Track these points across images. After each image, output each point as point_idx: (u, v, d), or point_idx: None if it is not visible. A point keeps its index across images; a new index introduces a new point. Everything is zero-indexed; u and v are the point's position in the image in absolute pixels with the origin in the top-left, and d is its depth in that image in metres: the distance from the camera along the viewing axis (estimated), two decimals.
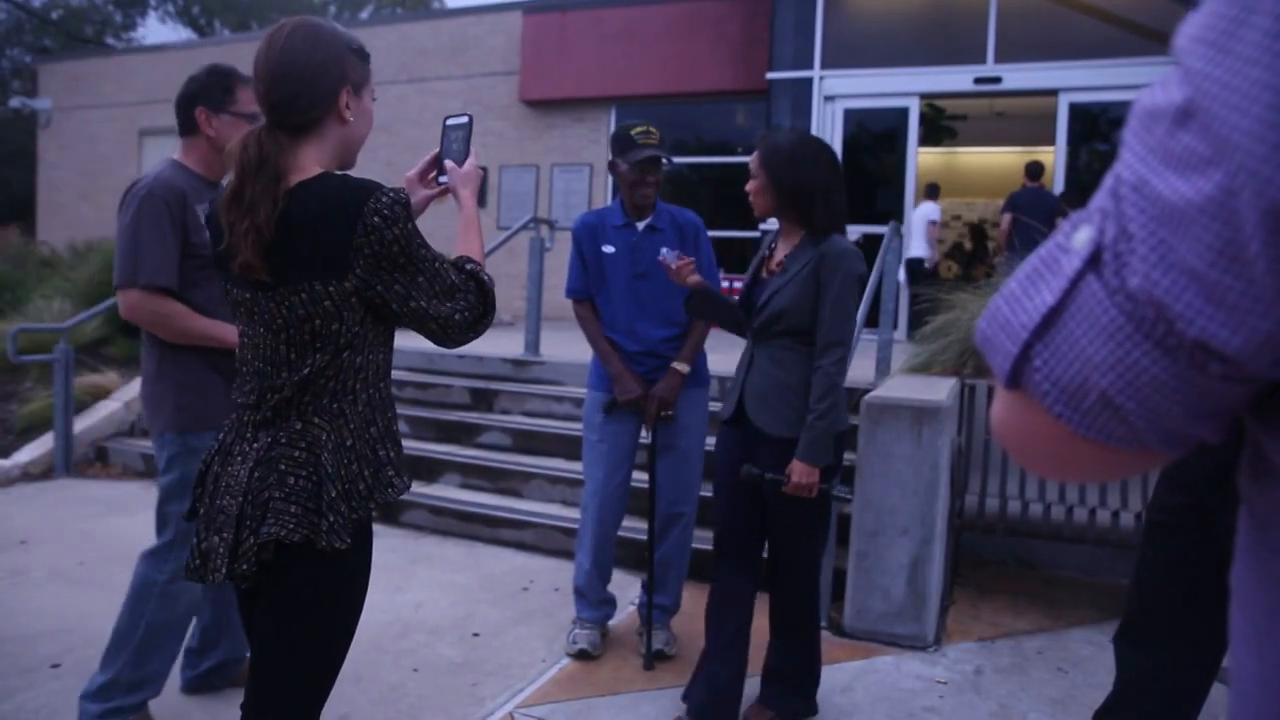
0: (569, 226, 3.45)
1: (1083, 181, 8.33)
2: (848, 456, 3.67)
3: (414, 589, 3.75)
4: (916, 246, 8.70)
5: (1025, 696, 2.98)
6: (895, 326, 5.37)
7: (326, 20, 1.59)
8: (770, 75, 9.43)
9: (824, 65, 9.22)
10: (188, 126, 2.45)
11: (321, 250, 1.44)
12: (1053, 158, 8.63)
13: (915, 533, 3.32)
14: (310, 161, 1.52)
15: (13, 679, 2.83)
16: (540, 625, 3.42)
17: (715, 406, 3.58)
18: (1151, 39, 7.78)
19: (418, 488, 4.79)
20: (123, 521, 4.64)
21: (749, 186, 2.55)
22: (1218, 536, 1.80)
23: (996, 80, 8.70)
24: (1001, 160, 12.09)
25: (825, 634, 3.32)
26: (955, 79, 8.88)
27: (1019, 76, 8.63)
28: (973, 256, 11.63)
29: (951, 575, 3.84)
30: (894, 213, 8.57)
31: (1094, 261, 0.47)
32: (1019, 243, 7.53)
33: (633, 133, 3.01)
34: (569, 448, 4.84)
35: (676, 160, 3.38)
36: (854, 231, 8.76)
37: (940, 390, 3.64)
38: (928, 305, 5.04)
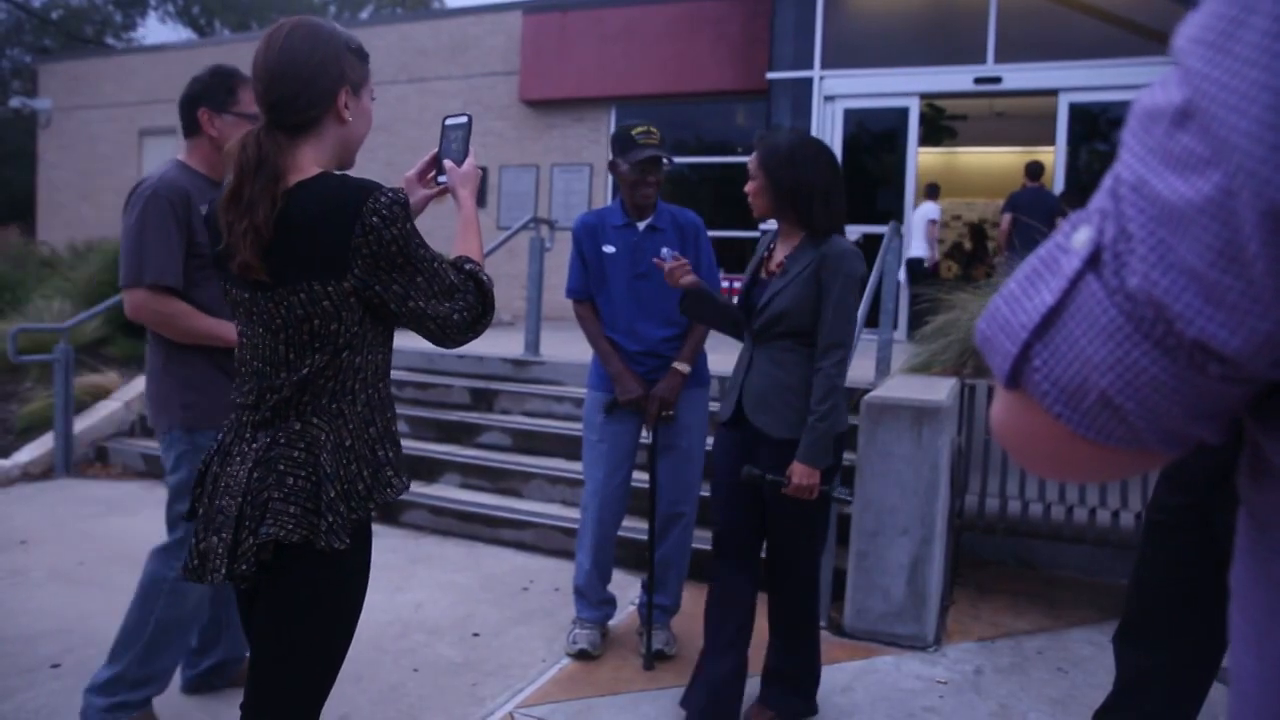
0: (569, 226, 3.45)
1: (1083, 181, 8.33)
2: (848, 456, 3.67)
3: (414, 589, 3.75)
4: (917, 246, 8.70)
5: (1025, 696, 2.98)
6: (895, 326, 5.37)
7: (325, 20, 1.58)
8: (770, 75, 9.43)
9: (824, 65, 9.22)
10: (191, 127, 2.46)
11: (320, 250, 1.44)
12: (1053, 158, 8.63)
13: (915, 533, 3.32)
14: (309, 161, 1.51)
15: (13, 679, 2.83)
16: (540, 625, 3.42)
17: (715, 406, 3.57)
18: (1151, 39, 7.78)
19: (418, 488, 4.79)
20: (123, 521, 4.64)
21: (748, 188, 2.55)
22: (1217, 536, 1.80)
23: (996, 80, 8.70)
24: (1001, 160, 12.09)
25: (825, 634, 3.32)
26: (955, 79, 8.88)
27: (1019, 76, 8.64)
28: (972, 256, 11.63)
29: (951, 575, 3.84)
30: (894, 213, 8.58)
31: (1093, 261, 0.47)
32: (1019, 243, 7.53)
33: (633, 133, 3.01)
34: (569, 448, 4.84)
35: (677, 160, 3.38)
36: (854, 231, 8.77)
37: (940, 390, 3.64)
38: (928, 305, 5.04)
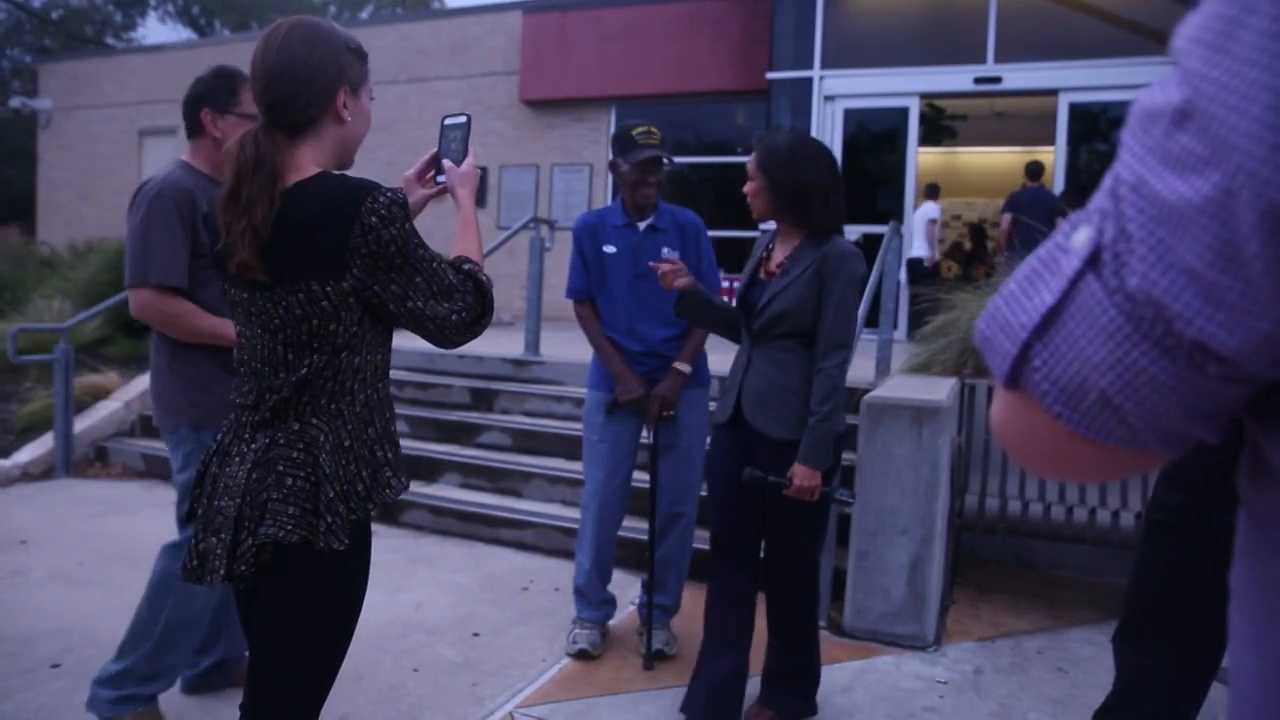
0: (569, 226, 3.45)
1: (1083, 181, 8.33)
2: (847, 456, 3.67)
3: (414, 589, 3.75)
4: (917, 247, 8.71)
5: (1025, 696, 2.98)
6: (895, 326, 5.37)
7: (324, 19, 1.58)
8: (770, 75, 9.43)
9: (824, 65, 9.22)
10: (194, 128, 2.48)
11: (318, 250, 1.44)
12: (1053, 158, 8.63)
13: (915, 533, 3.32)
14: (307, 161, 1.51)
15: (13, 679, 2.83)
16: (540, 625, 3.42)
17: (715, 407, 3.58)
18: (1151, 39, 7.78)
19: (418, 488, 4.79)
20: (123, 521, 4.64)
21: (747, 188, 2.54)
22: (1216, 536, 1.80)
23: (996, 80, 8.70)
24: (1001, 160, 12.09)
25: (825, 634, 3.32)
26: (955, 79, 8.88)
27: (1019, 76, 8.64)
28: (972, 256, 11.63)
29: (951, 575, 3.84)
30: (894, 213, 8.58)
31: (1093, 261, 0.47)
32: (1019, 243, 7.54)
33: (634, 133, 3.01)
34: (569, 448, 4.84)
35: (677, 160, 3.38)
36: (854, 231, 8.75)
37: (940, 390, 3.64)
38: (928, 305, 5.04)
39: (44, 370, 6.05)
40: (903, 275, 8.24)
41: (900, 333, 7.88)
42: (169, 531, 2.68)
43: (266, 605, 1.53)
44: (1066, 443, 0.51)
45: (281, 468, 1.47)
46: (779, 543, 2.58)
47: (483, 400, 5.61)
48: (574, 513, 3.99)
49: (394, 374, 5.80)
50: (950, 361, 4.44)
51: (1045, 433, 0.51)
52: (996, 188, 11.23)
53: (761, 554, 2.66)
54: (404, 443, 5.05)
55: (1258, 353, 0.42)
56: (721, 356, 3.73)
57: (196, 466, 2.41)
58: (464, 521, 4.54)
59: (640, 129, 3.01)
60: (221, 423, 2.35)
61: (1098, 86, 8.30)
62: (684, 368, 3.08)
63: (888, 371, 4.51)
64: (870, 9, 9.38)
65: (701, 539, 3.28)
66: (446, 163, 1.74)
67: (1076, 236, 0.48)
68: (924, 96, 9.16)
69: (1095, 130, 8.60)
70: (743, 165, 2.58)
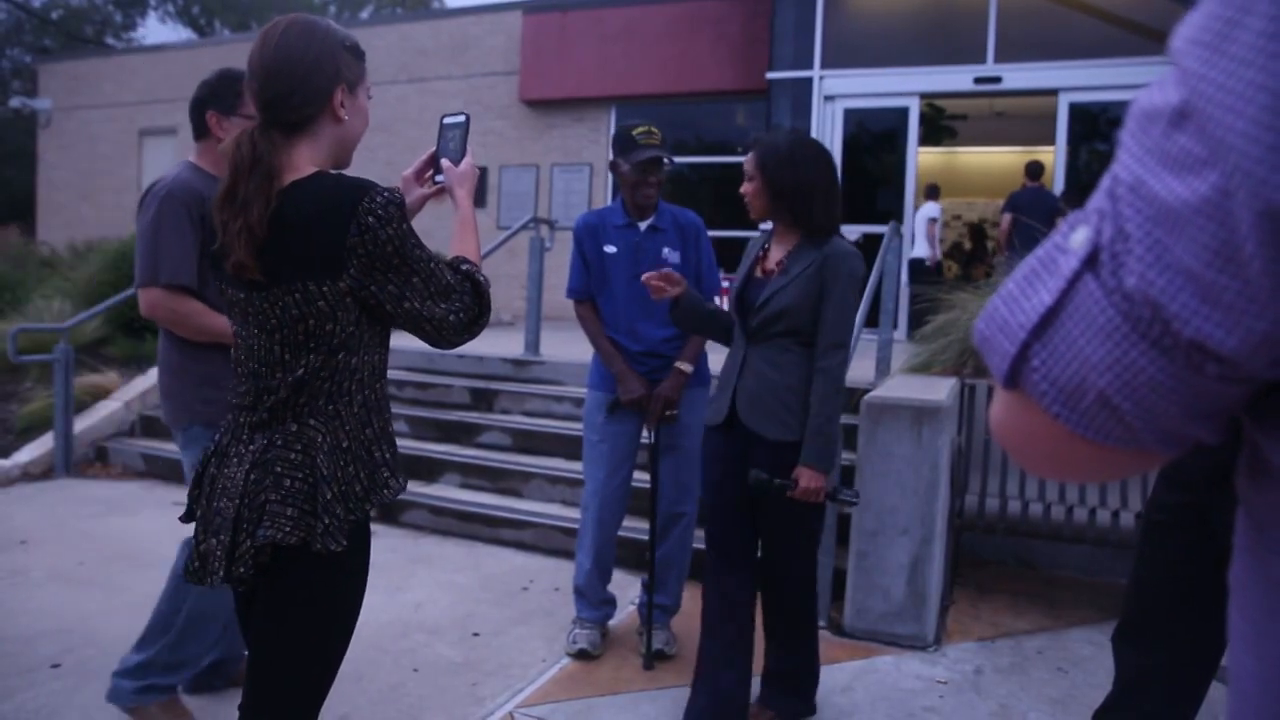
0: (569, 226, 3.45)
1: (1083, 181, 8.33)
2: (847, 456, 3.68)
3: (414, 589, 3.75)
4: (919, 247, 8.71)
5: (1025, 696, 2.98)
6: (895, 326, 5.37)
7: (322, 18, 1.58)
8: (770, 75, 9.43)
9: (824, 65, 9.22)
10: (200, 129, 2.51)
11: (315, 250, 1.43)
12: (1053, 158, 8.63)
13: (915, 533, 3.32)
14: (304, 160, 1.50)
15: (13, 679, 2.83)
16: (540, 625, 3.42)
17: None
18: (1151, 39, 7.78)
19: (418, 488, 4.79)
20: (123, 521, 4.64)
21: (745, 189, 2.52)
22: (1215, 535, 1.80)
23: (996, 80, 8.70)
24: (1001, 160, 12.09)
25: (825, 634, 3.32)
26: (955, 79, 8.88)
27: (1019, 76, 8.64)
28: (972, 256, 11.64)
29: (951, 575, 3.84)
30: (894, 213, 8.58)
31: (1091, 262, 0.47)
32: (1019, 243, 7.54)
33: (634, 133, 3.01)
34: (569, 447, 4.84)
35: (677, 160, 3.38)
36: (854, 231, 8.74)
37: (940, 390, 3.64)
38: (928, 305, 5.04)
39: (44, 370, 6.05)
40: (904, 275, 8.24)
41: (900, 333, 7.88)
42: (169, 531, 2.69)
43: (265, 606, 1.52)
44: (1065, 443, 0.51)
45: (279, 469, 1.46)
46: (776, 544, 2.57)
47: (483, 400, 5.61)
48: (574, 513, 3.99)
49: (394, 374, 5.82)
50: (950, 361, 4.44)
51: (1044, 433, 0.51)
52: (996, 188, 11.23)
53: (758, 554, 2.65)
54: (404, 443, 5.07)
55: (1256, 352, 0.42)
56: (721, 357, 3.73)
57: None
58: (464, 521, 4.54)
59: (640, 129, 3.01)
60: None
61: (1098, 86, 8.30)
62: (686, 367, 3.08)
63: (888, 371, 4.51)
64: (870, 9, 9.38)
65: (702, 539, 3.28)
66: (445, 162, 1.74)
67: (1075, 237, 0.48)
68: (924, 96, 9.16)
69: (1095, 130, 8.60)
70: (742, 165, 2.57)
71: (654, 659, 3.10)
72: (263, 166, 1.45)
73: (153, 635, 2.52)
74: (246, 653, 1.61)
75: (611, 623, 3.37)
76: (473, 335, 1.59)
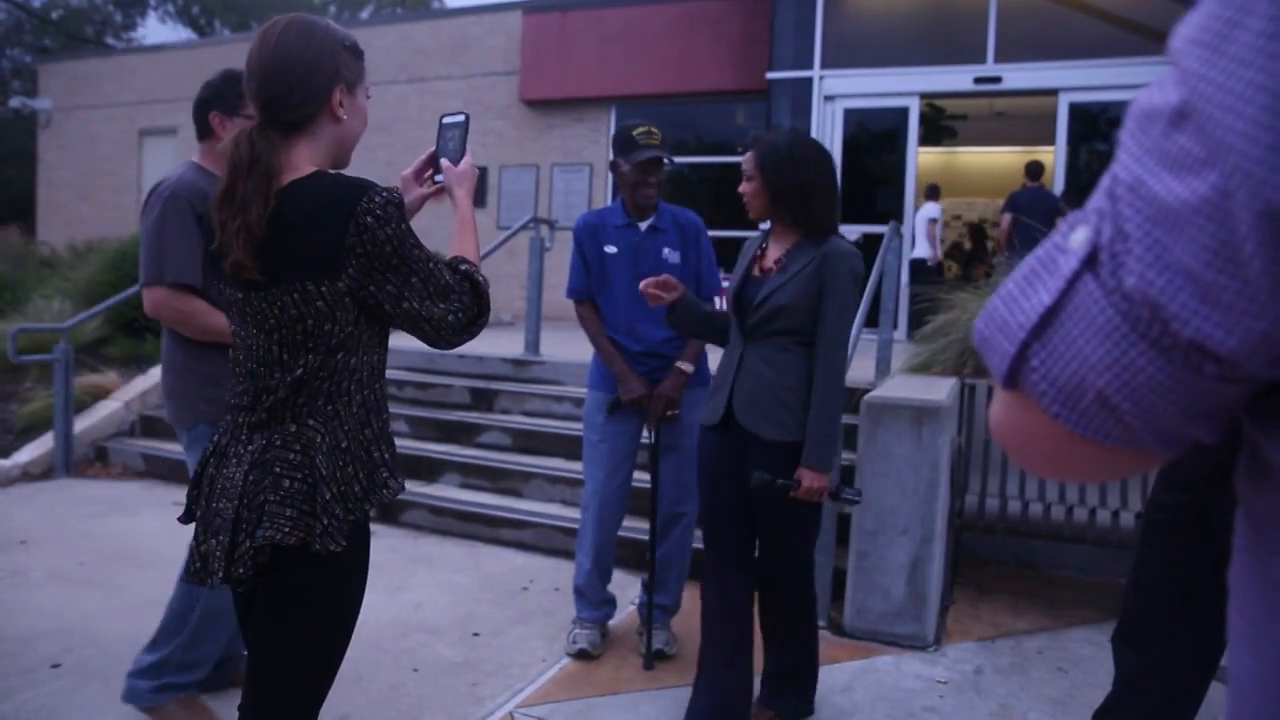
0: (569, 226, 3.45)
1: (1083, 181, 8.33)
2: (847, 456, 3.68)
3: (414, 589, 3.75)
4: (920, 247, 8.72)
5: (1025, 696, 2.98)
6: (895, 326, 5.37)
7: (321, 18, 1.58)
8: (770, 75, 9.43)
9: (824, 65, 9.22)
10: (203, 130, 2.52)
11: (314, 250, 1.43)
12: (1053, 158, 8.63)
13: (915, 532, 3.32)
14: (303, 160, 1.50)
15: (13, 679, 2.83)
16: (540, 625, 3.42)
17: None
18: (1151, 39, 7.78)
19: (418, 488, 4.79)
20: (123, 521, 4.64)
21: (744, 188, 2.51)
22: (1215, 535, 1.80)
23: (996, 80, 8.70)
24: (1001, 160, 12.10)
25: (825, 634, 3.32)
26: (955, 79, 8.88)
27: (1019, 76, 8.64)
28: (972, 256, 11.64)
29: (951, 575, 3.84)
30: (894, 213, 8.58)
31: (1091, 262, 0.47)
32: (1019, 243, 7.54)
33: (634, 133, 3.01)
34: (569, 447, 4.84)
35: (677, 160, 3.38)
36: (854, 231, 8.73)
37: (940, 390, 3.64)
38: (928, 305, 5.04)
39: (44, 370, 6.05)
40: (905, 275, 8.24)
41: (900, 333, 7.88)
42: (169, 531, 2.69)
43: (264, 607, 1.52)
44: (1065, 443, 0.51)
45: (278, 469, 1.46)
46: (774, 544, 2.56)
47: (483, 400, 5.61)
48: (574, 513, 3.99)
49: (394, 374, 5.82)
50: (950, 361, 4.44)
51: (1044, 433, 0.51)
52: (996, 188, 11.23)
53: (756, 554, 2.65)
54: (404, 443, 5.08)
55: (1255, 352, 0.42)
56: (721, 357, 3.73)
57: None
58: (464, 521, 4.54)
59: (641, 129, 3.01)
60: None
61: (1098, 86, 8.30)
62: (687, 367, 3.08)
63: (888, 371, 4.51)
64: (870, 9, 9.38)
65: (701, 539, 3.29)
66: (444, 162, 1.73)
67: (1074, 237, 0.48)
68: (924, 96, 9.16)
69: (1095, 130, 8.60)
70: (741, 165, 2.57)
71: (654, 659, 3.10)
72: (261, 166, 1.45)
73: (166, 635, 2.54)
74: (246, 653, 1.61)
75: (611, 623, 3.37)
76: (471, 335, 1.59)
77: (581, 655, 3.13)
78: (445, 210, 1.74)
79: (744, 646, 2.62)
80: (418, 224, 1.64)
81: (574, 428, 4.81)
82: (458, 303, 1.54)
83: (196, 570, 1.53)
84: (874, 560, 3.38)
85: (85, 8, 26.17)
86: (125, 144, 14.53)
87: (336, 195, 1.44)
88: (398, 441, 1.64)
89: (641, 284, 2.53)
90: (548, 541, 4.31)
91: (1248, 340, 0.42)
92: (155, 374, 6.24)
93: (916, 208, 8.98)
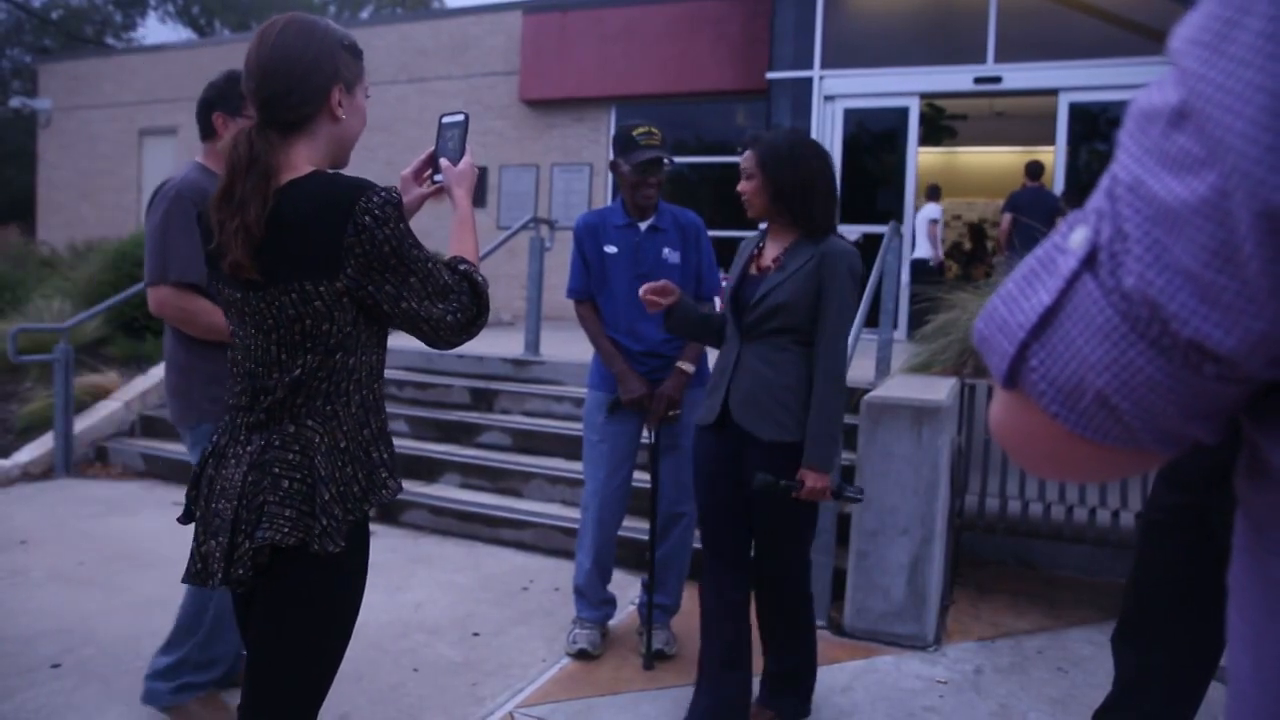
0: (569, 226, 3.45)
1: (1083, 181, 8.33)
2: (847, 456, 3.68)
3: (414, 589, 3.75)
4: (921, 248, 8.72)
5: (1025, 696, 2.98)
6: (895, 326, 5.37)
7: (320, 17, 1.57)
8: (770, 75, 9.43)
9: (824, 65, 9.22)
10: (207, 131, 2.53)
11: (312, 249, 1.43)
12: (1053, 157, 8.63)
13: (915, 532, 3.32)
14: (301, 159, 1.50)
15: (13, 679, 2.83)
16: (540, 625, 3.42)
17: None
18: (1151, 39, 7.78)
19: (418, 488, 4.79)
20: (123, 521, 4.64)
21: (743, 187, 2.51)
22: (1214, 536, 1.80)
23: (996, 80, 8.70)
24: (1001, 160, 12.10)
25: (825, 634, 3.32)
26: (955, 79, 8.88)
27: (1019, 76, 8.64)
28: (972, 256, 11.64)
29: (951, 575, 3.84)
30: (894, 213, 8.58)
31: (1090, 262, 0.47)
32: (1019, 243, 7.54)
33: (634, 134, 3.01)
34: (569, 447, 4.84)
35: (677, 160, 3.38)
36: (854, 231, 8.72)
37: (940, 390, 3.64)
38: (928, 305, 5.04)
39: (44, 370, 6.05)
40: (905, 275, 8.23)
41: (900, 333, 7.88)
42: (169, 531, 2.69)
43: (263, 608, 1.52)
44: (1064, 442, 0.51)
45: (277, 470, 1.46)
46: (771, 544, 2.56)
47: (483, 400, 5.61)
48: (574, 513, 3.99)
49: (394, 374, 5.82)
50: (950, 361, 4.44)
51: (1043, 433, 0.51)
52: (996, 188, 11.23)
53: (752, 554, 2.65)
54: (404, 443, 5.08)
55: (1254, 352, 0.42)
56: None
57: None
58: (464, 521, 4.54)
59: (641, 129, 3.01)
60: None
61: (1098, 86, 8.30)
62: (688, 367, 3.08)
63: (888, 371, 4.51)
64: (870, 9, 9.38)
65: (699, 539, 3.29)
66: (443, 161, 1.73)
67: (1074, 237, 0.48)
68: (924, 96, 9.16)
69: (1095, 130, 8.60)
70: (739, 164, 2.57)
71: (654, 659, 3.10)
72: (260, 166, 1.45)
73: (181, 635, 2.55)
74: (245, 653, 1.61)
75: (611, 623, 3.37)
76: (470, 336, 1.58)
77: (581, 655, 3.13)
78: (445, 210, 1.73)
79: (742, 646, 2.61)
80: (417, 224, 1.64)
81: (574, 428, 4.81)
82: (456, 303, 1.53)
83: (197, 571, 1.53)
84: (874, 560, 3.38)
85: (85, 8, 26.17)
86: (125, 144, 14.54)
87: (335, 195, 1.43)
88: (398, 441, 1.64)
89: (641, 290, 2.53)
90: (548, 541, 4.31)
91: (1246, 340, 0.42)
92: (155, 374, 6.24)
93: (917, 208, 8.98)
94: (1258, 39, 0.40)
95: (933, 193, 8.89)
